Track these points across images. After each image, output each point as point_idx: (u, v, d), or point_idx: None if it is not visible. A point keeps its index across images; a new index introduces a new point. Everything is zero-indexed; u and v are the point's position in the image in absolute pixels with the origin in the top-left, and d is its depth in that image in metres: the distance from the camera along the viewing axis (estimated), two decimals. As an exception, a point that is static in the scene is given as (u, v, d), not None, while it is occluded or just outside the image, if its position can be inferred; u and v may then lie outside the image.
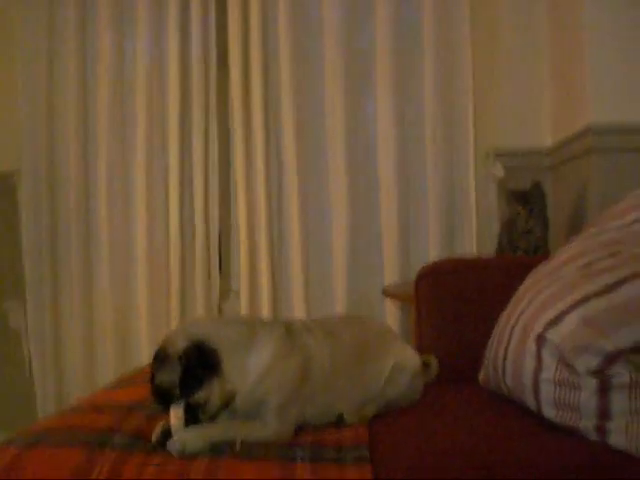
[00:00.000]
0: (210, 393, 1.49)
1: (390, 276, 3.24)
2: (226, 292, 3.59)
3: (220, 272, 3.51)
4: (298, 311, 3.28)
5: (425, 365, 1.95)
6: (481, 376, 1.98)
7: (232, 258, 3.60)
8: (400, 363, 1.78)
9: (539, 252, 2.63)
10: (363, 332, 1.83)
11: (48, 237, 3.52)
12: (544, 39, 3.26)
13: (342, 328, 1.79)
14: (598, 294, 1.47)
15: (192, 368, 1.48)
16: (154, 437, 1.46)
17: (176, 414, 1.48)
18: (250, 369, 1.54)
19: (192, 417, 1.48)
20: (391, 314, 3.23)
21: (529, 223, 2.65)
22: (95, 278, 3.52)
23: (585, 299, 1.48)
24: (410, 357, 1.84)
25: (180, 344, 1.51)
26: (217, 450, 1.41)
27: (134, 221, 3.46)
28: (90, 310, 3.52)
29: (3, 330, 3.72)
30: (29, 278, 3.55)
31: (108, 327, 3.47)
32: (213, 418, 1.51)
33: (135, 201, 3.46)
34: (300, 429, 1.57)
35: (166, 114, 3.42)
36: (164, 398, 1.52)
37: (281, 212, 3.38)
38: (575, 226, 2.74)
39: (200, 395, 1.48)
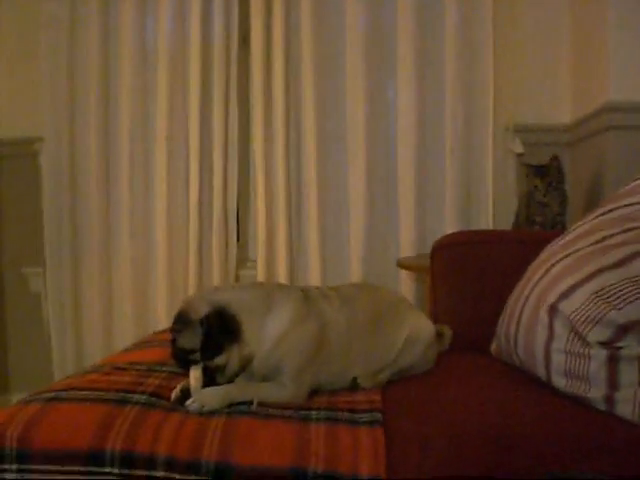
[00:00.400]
0: (229, 357, 1.53)
1: (405, 249, 3.26)
2: (243, 261, 3.62)
3: (238, 241, 3.55)
4: (314, 281, 3.31)
5: (439, 335, 1.98)
6: (493, 347, 2.01)
7: (250, 228, 3.63)
8: (415, 332, 1.81)
9: (557, 228, 2.64)
10: (379, 300, 1.86)
11: (69, 203, 3.56)
12: (565, 16, 3.25)
13: (358, 296, 1.82)
14: (611, 268, 1.50)
15: (213, 333, 1.52)
16: (174, 396, 1.50)
17: (195, 376, 1.52)
18: (268, 333, 1.57)
19: (210, 379, 1.53)
20: (405, 286, 3.26)
21: (546, 196, 2.67)
22: (114, 244, 3.56)
23: (598, 272, 1.51)
24: (425, 327, 1.87)
25: (202, 309, 1.54)
26: (234, 410, 1.45)
27: (154, 190, 3.49)
28: (109, 276, 3.56)
29: (23, 294, 3.78)
30: (49, 243, 3.59)
31: (126, 293, 3.52)
32: (231, 380, 1.56)
33: (155, 170, 3.48)
34: (315, 393, 1.61)
35: (187, 85, 3.43)
36: (184, 360, 1.56)
37: (299, 183, 3.41)
38: (592, 202, 2.75)
39: (220, 359, 1.52)
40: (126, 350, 2.08)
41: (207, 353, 1.52)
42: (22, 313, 3.79)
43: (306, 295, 1.68)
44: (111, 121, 3.54)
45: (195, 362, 1.54)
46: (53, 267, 3.59)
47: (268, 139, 3.39)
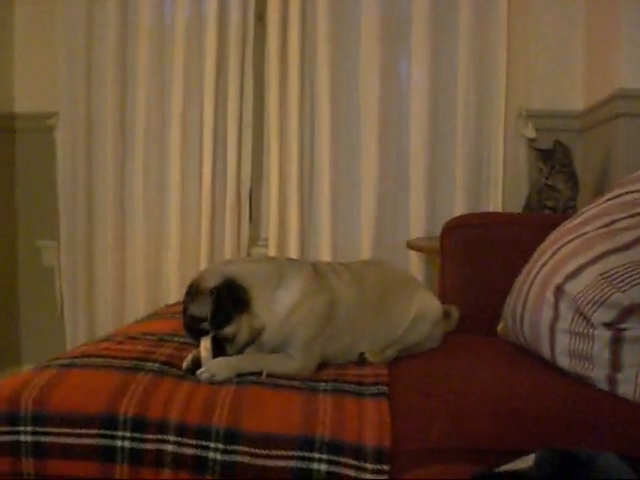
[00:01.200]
0: (238, 328, 1.56)
1: (415, 231, 3.28)
2: (255, 239, 3.65)
3: (250, 220, 3.57)
4: (324, 259, 3.33)
5: (446, 315, 2.01)
6: (500, 327, 2.04)
7: (262, 207, 3.65)
8: (422, 311, 1.84)
9: (568, 212, 2.66)
10: (388, 278, 1.89)
11: (84, 177, 3.58)
12: (578, 3, 3.24)
13: (367, 272, 1.85)
14: (617, 251, 1.52)
15: (222, 304, 1.55)
16: (185, 365, 1.54)
17: (206, 346, 1.56)
18: (278, 306, 1.60)
19: (220, 350, 1.56)
20: (415, 267, 3.27)
21: (549, 179, 2.70)
22: (128, 220, 3.58)
23: (604, 255, 1.53)
24: (432, 305, 1.89)
25: (213, 280, 1.58)
26: (243, 380, 1.49)
27: (168, 166, 3.51)
28: (122, 251, 3.59)
29: (37, 268, 3.81)
30: (63, 217, 3.62)
31: (139, 268, 3.54)
32: (240, 352, 1.59)
33: (170, 148, 3.50)
34: (323, 366, 1.64)
35: (203, 62, 3.44)
36: (195, 330, 1.60)
37: (312, 163, 3.42)
38: (603, 188, 2.77)
39: (229, 329, 1.55)
40: (138, 321, 2.12)
41: (216, 322, 1.55)
42: (35, 286, 3.82)
43: (316, 269, 1.71)
44: (127, 96, 3.55)
45: (206, 332, 1.57)
46: (67, 241, 3.62)
47: (282, 117, 3.40)
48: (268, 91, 3.45)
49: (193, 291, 1.61)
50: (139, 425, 1.36)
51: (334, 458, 1.29)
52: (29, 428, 1.38)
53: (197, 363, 1.54)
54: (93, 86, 3.57)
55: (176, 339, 1.74)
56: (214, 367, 1.50)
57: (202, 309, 1.57)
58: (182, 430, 1.34)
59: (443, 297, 2.30)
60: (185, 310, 1.63)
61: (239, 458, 1.31)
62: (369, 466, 1.27)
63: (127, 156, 3.57)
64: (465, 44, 3.24)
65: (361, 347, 1.72)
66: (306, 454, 1.30)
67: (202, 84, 3.45)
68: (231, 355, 1.57)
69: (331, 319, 1.66)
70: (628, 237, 1.53)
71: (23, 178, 3.78)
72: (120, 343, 1.71)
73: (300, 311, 1.60)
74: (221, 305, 1.55)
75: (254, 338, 1.60)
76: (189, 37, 3.44)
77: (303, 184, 3.40)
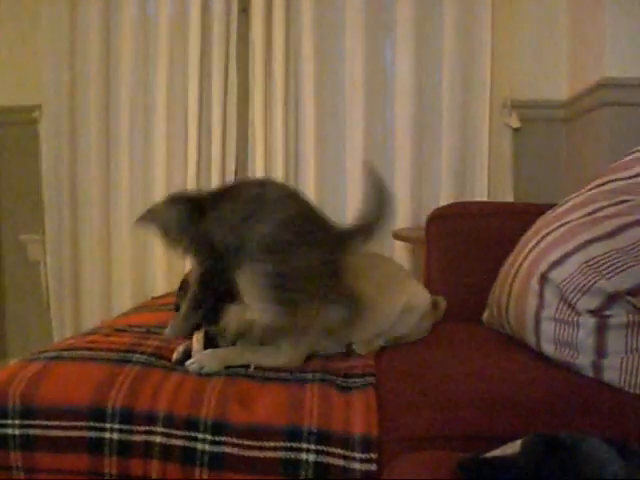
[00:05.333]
0: (228, 321, 1.56)
1: (401, 221, 3.29)
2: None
3: (235, 212, 3.56)
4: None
5: (434, 306, 2.01)
6: (485, 316, 2.05)
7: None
8: (411, 302, 1.83)
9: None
10: (377, 268, 1.89)
11: (68, 170, 3.56)
12: (562, -8, 3.26)
13: (356, 262, 1.84)
14: (601, 238, 1.53)
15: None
16: (175, 356, 1.54)
17: (197, 338, 1.56)
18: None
19: (211, 342, 1.56)
20: (400, 257, 3.29)
21: None
22: (113, 212, 3.57)
23: (588, 242, 1.54)
24: (421, 296, 1.89)
25: None
26: (232, 372, 1.50)
27: (153, 160, 3.50)
28: (108, 244, 3.58)
29: (22, 262, 3.80)
30: (48, 211, 3.60)
31: (125, 261, 3.54)
32: (232, 344, 1.60)
33: (155, 141, 3.49)
34: (310, 357, 1.64)
35: (187, 54, 3.43)
36: None
37: (297, 153, 3.42)
38: (587, 177, 2.77)
39: (219, 324, 1.56)
40: (125, 314, 2.12)
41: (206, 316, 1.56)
42: (20, 280, 3.81)
43: None
44: (111, 88, 3.54)
45: (198, 327, 1.58)
46: (52, 234, 3.60)
47: (267, 108, 3.40)
48: (253, 82, 3.44)
49: (184, 286, 1.61)
50: (127, 417, 1.36)
51: (322, 448, 1.29)
52: (17, 421, 1.38)
53: (188, 354, 1.54)
54: (77, 78, 3.55)
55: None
56: (204, 359, 1.51)
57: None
58: (170, 421, 1.34)
59: (429, 287, 2.29)
60: (177, 306, 1.63)
61: (227, 449, 1.31)
62: (357, 455, 1.27)
63: (112, 148, 3.55)
64: (450, 34, 3.25)
65: (349, 337, 1.73)
66: (294, 445, 1.30)
67: (186, 76, 3.44)
68: (222, 347, 1.58)
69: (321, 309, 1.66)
70: (613, 225, 1.54)
71: (7, 172, 3.76)
72: (107, 336, 1.71)
73: None
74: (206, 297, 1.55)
75: (245, 330, 1.59)
76: (173, 28, 3.43)
77: (288, 174, 3.41)
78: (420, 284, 1.97)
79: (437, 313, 2.06)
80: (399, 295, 1.83)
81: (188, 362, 1.50)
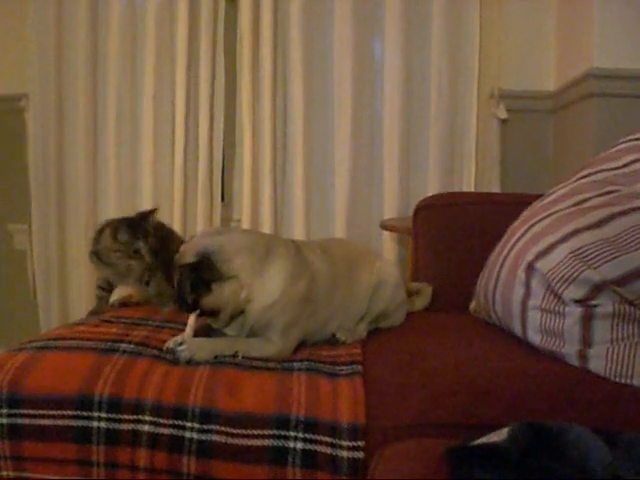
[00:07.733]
0: (218, 298, 1.56)
1: (389, 212, 3.29)
2: (227, 220, 3.64)
3: (223, 201, 3.56)
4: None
5: (417, 292, 2.04)
6: (472, 305, 2.06)
7: (235, 187, 3.64)
8: (382, 278, 1.90)
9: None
10: (350, 251, 1.93)
11: (55, 160, 3.53)
12: (551, -18, 3.26)
13: (333, 246, 1.89)
14: (588, 228, 1.54)
15: (183, 284, 1.55)
16: (171, 344, 1.54)
17: (190, 322, 1.58)
18: (267, 283, 1.61)
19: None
20: (388, 247, 3.29)
21: None
22: (100, 201, 3.54)
23: (575, 232, 1.55)
24: (390, 270, 1.95)
25: (188, 257, 1.58)
26: (220, 361, 1.50)
27: (140, 148, 3.48)
28: (95, 233, 3.56)
29: (8, 252, 3.77)
30: (35, 200, 3.57)
31: (112, 251, 3.51)
32: (227, 324, 1.62)
33: (142, 129, 3.46)
34: (298, 347, 1.65)
35: (174, 44, 3.41)
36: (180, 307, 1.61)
37: (285, 143, 3.40)
38: (575, 168, 2.78)
39: (207, 302, 1.56)
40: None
41: (179, 302, 1.57)
42: (7, 270, 3.79)
43: (297, 247, 1.73)
44: (98, 77, 3.50)
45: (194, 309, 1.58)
46: (39, 224, 3.57)
47: (255, 98, 3.39)
48: (240, 72, 3.42)
49: (173, 268, 1.62)
50: (115, 406, 1.36)
51: (310, 436, 1.30)
52: (4, 410, 1.38)
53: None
54: (64, 67, 3.51)
55: (150, 322, 1.75)
56: (193, 347, 1.52)
57: (180, 286, 1.58)
58: (158, 410, 1.35)
59: (416, 276, 2.32)
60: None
61: (215, 437, 1.31)
62: (344, 443, 1.28)
63: (99, 138, 3.52)
64: (438, 24, 3.23)
65: (334, 325, 1.75)
66: (282, 433, 1.30)
67: (174, 65, 3.42)
68: (217, 328, 1.61)
69: (310, 298, 1.67)
70: (599, 215, 1.55)
71: (-7, 161, 3.74)
72: (95, 326, 1.71)
73: (286, 297, 1.62)
74: (183, 287, 1.55)
75: (241, 310, 1.60)
76: (160, 17, 3.40)
77: (276, 164, 3.39)
78: (388, 260, 2.02)
79: (423, 299, 2.09)
80: (371, 273, 1.89)
81: (180, 347, 1.50)
